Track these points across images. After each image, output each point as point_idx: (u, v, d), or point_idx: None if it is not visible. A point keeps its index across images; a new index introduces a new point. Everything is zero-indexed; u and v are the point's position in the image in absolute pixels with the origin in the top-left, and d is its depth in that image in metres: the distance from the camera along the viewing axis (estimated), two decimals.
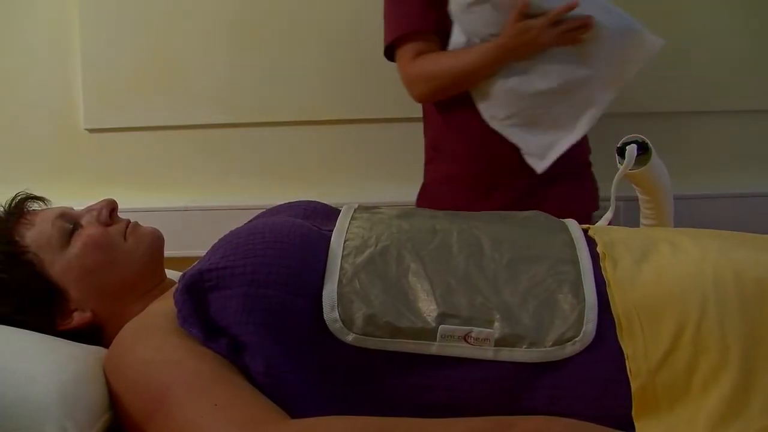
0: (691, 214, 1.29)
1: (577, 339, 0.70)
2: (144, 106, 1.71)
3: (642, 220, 1.09)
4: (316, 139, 1.71)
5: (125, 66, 1.70)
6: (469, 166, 1.36)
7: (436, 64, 1.27)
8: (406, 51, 1.29)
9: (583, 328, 0.70)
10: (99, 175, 1.75)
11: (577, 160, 1.38)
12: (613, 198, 0.99)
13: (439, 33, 1.29)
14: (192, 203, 1.72)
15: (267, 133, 1.72)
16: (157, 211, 1.64)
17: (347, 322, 0.71)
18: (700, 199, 1.62)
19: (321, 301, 0.73)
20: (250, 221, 0.95)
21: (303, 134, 1.72)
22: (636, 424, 0.67)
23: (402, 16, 1.29)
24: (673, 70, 1.63)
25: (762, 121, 1.67)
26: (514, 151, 1.29)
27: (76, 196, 1.55)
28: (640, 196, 1.06)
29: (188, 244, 1.40)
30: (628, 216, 1.38)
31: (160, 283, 0.92)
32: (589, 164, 1.45)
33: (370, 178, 1.70)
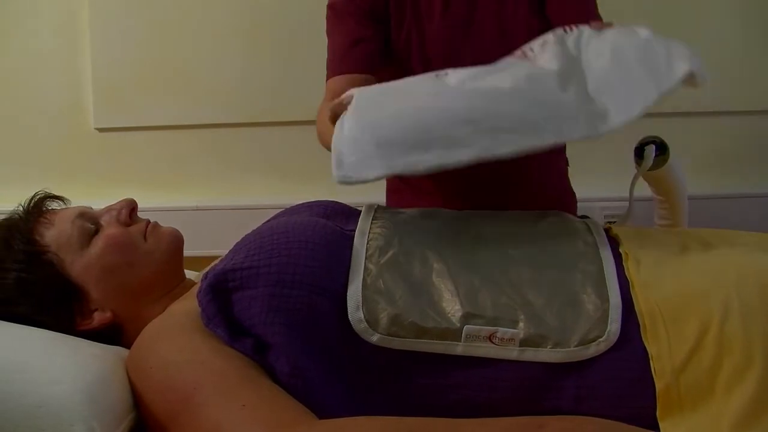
0: (691, 214, 1.28)
1: (601, 339, 0.70)
2: (154, 105, 1.70)
3: (657, 220, 1.09)
4: None
5: (135, 65, 1.69)
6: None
7: (322, 125, 1.09)
8: (328, 86, 1.16)
9: (608, 328, 0.70)
10: (109, 174, 1.75)
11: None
12: (631, 198, 0.99)
13: (370, 64, 1.14)
14: (202, 203, 1.72)
15: (278, 133, 1.71)
16: (168, 210, 1.63)
17: (372, 322, 0.71)
18: (702, 200, 1.62)
19: (346, 302, 0.73)
20: (269, 221, 0.95)
21: (313, 134, 1.69)
22: (660, 424, 0.67)
23: (331, 55, 1.18)
24: None
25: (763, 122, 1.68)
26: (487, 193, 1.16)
27: (86, 196, 1.54)
28: (655, 197, 1.06)
29: (199, 244, 1.40)
30: (641, 216, 1.38)
31: (180, 283, 0.92)
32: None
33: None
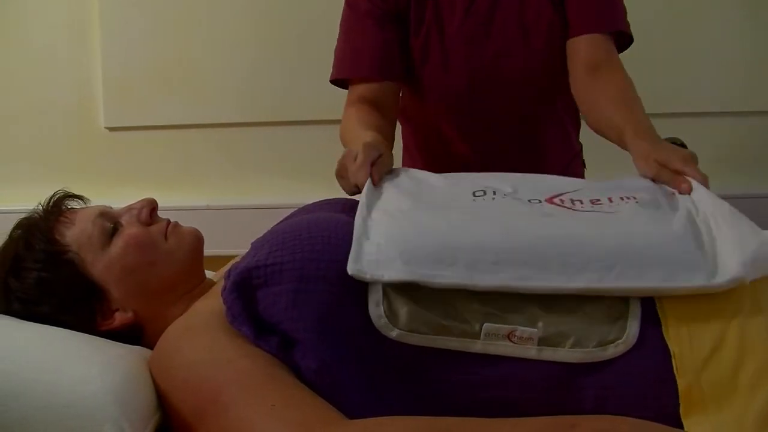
0: None
1: (620, 341, 0.69)
2: (164, 104, 1.71)
3: None
4: (336, 138, 1.71)
5: (145, 64, 1.70)
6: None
7: (345, 132, 1.15)
8: (350, 92, 1.18)
9: (627, 331, 0.70)
10: (119, 173, 1.75)
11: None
12: None
13: (390, 71, 1.16)
14: (213, 202, 1.72)
15: (288, 132, 1.72)
16: (178, 209, 1.63)
17: (392, 318, 0.71)
18: None
19: (367, 297, 0.73)
20: (287, 219, 0.95)
21: (323, 133, 1.71)
22: (684, 422, 0.67)
23: (347, 53, 1.18)
24: (676, 71, 1.63)
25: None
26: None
27: (95, 195, 1.54)
28: None
29: (209, 243, 1.40)
30: None
31: (200, 283, 0.92)
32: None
33: None
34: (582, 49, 1.10)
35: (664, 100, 1.62)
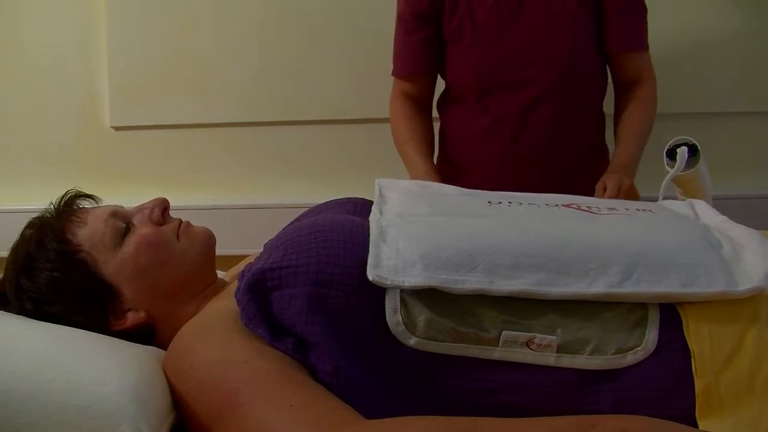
0: None
1: (639, 348, 0.69)
2: (170, 103, 1.70)
3: None
4: (342, 138, 1.71)
5: (151, 63, 1.70)
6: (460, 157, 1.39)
7: (394, 125, 1.42)
8: (395, 85, 1.42)
9: (645, 338, 0.70)
10: (125, 173, 1.75)
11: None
12: (661, 200, 0.99)
13: (429, 73, 1.38)
14: (218, 202, 1.72)
15: (294, 132, 1.72)
16: (184, 209, 1.63)
17: (410, 326, 0.71)
18: (723, 200, 1.61)
19: (383, 303, 0.72)
20: (299, 220, 0.94)
21: (330, 133, 1.72)
22: (699, 423, 0.67)
23: (397, 55, 1.39)
24: (681, 72, 1.64)
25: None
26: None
27: (101, 194, 1.55)
28: (680, 198, 1.07)
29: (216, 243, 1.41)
30: None
31: (212, 283, 0.92)
32: None
33: (395, 177, 1.69)
34: (626, 65, 1.32)
35: (669, 100, 1.62)
